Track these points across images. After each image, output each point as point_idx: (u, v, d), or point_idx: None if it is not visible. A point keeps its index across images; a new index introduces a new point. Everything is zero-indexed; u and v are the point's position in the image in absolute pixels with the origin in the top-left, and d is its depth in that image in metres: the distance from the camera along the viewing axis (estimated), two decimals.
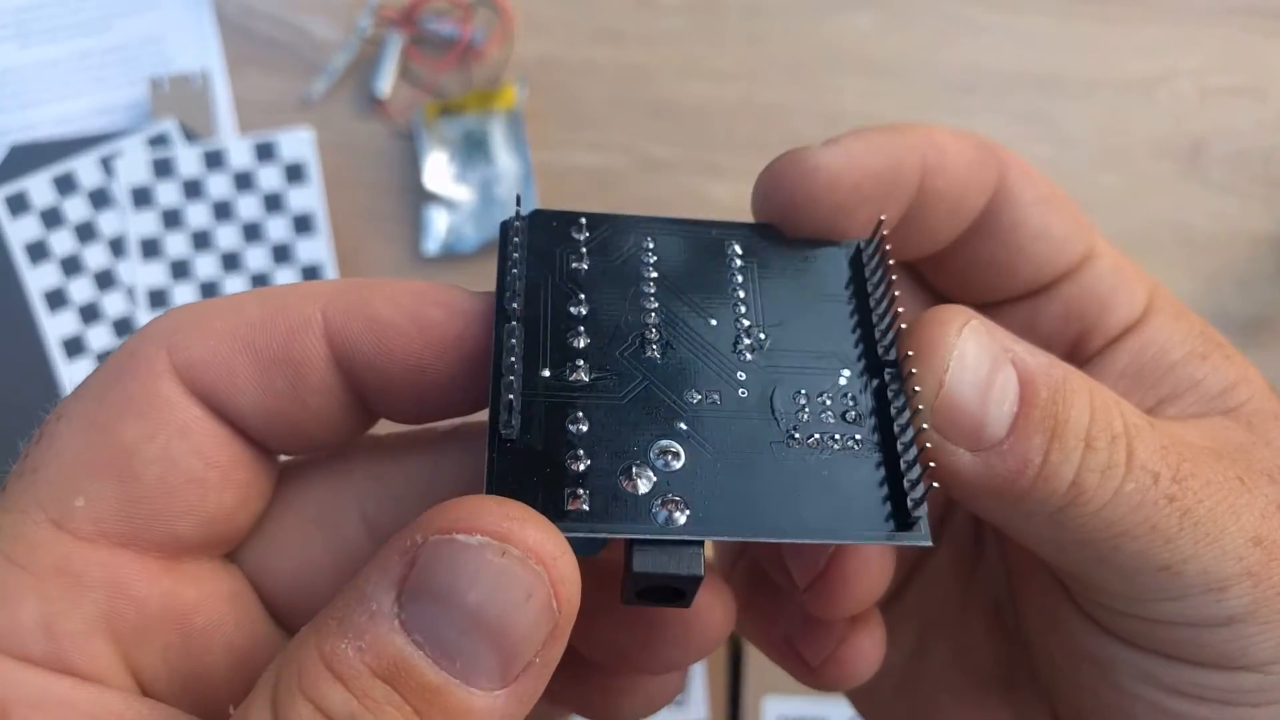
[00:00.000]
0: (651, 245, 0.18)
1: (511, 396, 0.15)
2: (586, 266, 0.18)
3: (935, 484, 0.16)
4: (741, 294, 0.18)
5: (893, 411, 0.17)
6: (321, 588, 0.17)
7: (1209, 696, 0.18)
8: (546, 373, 0.16)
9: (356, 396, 0.16)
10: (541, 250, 0.17)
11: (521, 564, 0.13)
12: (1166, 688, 0.18)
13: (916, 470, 0.16)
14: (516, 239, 0.17)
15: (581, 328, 0.17)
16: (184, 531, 0.15)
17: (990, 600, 0.23)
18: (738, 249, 0.18)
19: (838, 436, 0.17)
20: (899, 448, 0.16)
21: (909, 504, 0.16)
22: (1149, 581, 0.17)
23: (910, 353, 0.17)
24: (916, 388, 0.17)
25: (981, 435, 0.16)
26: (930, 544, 0.16)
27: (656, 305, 0.17)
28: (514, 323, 0.16)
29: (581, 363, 0.16)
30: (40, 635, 0.14)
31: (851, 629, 0.20)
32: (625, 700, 0.19)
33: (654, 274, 0.18)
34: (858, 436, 0.17)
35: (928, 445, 0.16)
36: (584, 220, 0.18)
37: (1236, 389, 0.20)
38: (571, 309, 0.17)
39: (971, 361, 0.16)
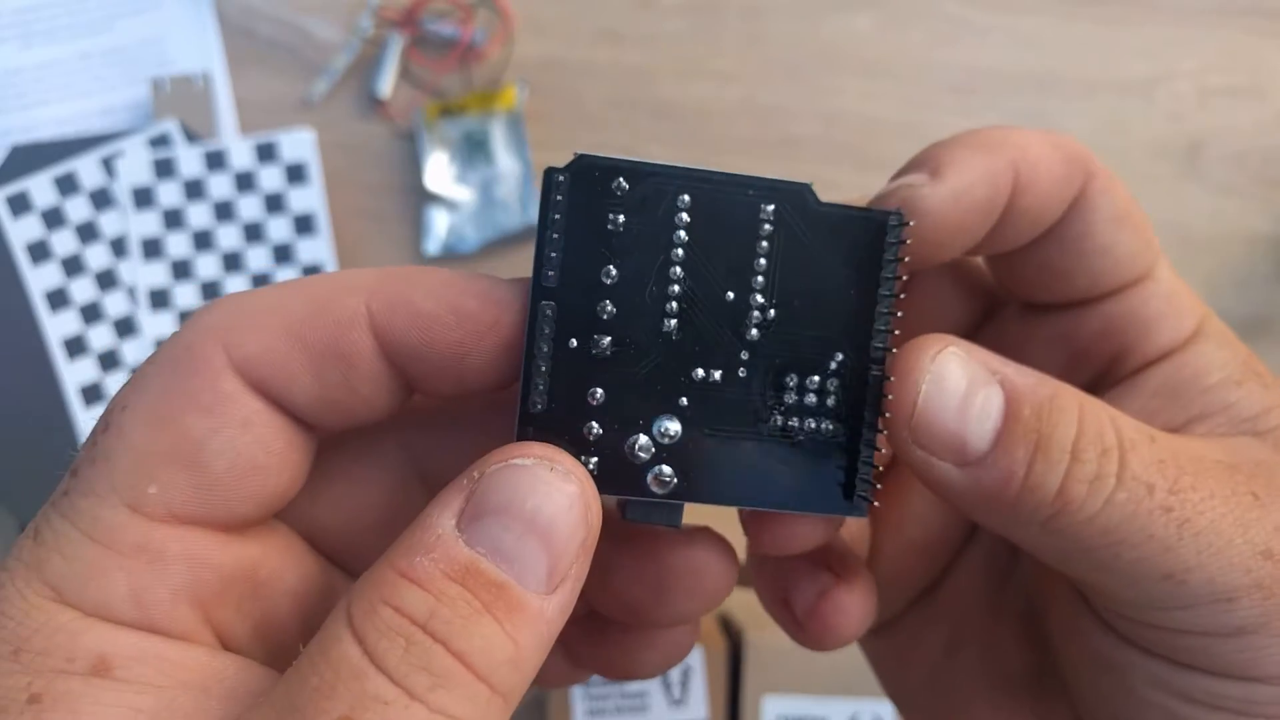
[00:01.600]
0: (687, 203, 0.18)
1: (538, 377, 0.17)
2: (622, 227, 0.18)
3: (878, 481, 0.18)
4: (762, 262, 0.18)
5: (866, 414, 0.18)
6: (363, 530, 0.19)
7: (1223, 705, 0.18)
8: (574, 343, 0.17)
9: (400, 379, 0.17)
10: (581, 206, 0.18)
11: (564, 477, 0.16)
12: (1181, 695, 0.19)
13: (866, 461, 0.18)
14: (559, 198, 0.18)
15: (608, 300, 0.18)
16: (247, 511, 0.17)
17: (1021, 605, 0.23)
18: (769, 213, 0.18)
19: (814, 424, 0.18)
20: (860, 447, 0.18)
21: (857, 483, 0.18)
22: (1154, 589, 0.17)
23: (890, 377, 0.18)
24: (887, 412, 0.18)
25: (965, 450, 0.17)
26: (864, 515, 0.18)
27: (681, 275, 0.18)
28: (547, 302, 0.17)
29: (606, 338, 0.18)
30: (130, 606, 0.15)
31: (836, 584, 0.21)
32: (642, 656, 0.21)
33: (684, 237, 0.18)
34: (828, 427, 0.18)
35: (879, 449, 0.18)
36: (622, 178, 0.18)
37: (1270, 414, 0.20)
38: (603, 277, 0.18)
39: (949, 384, 0.17)
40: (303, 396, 0.17)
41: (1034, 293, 0.22)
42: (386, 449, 0.20)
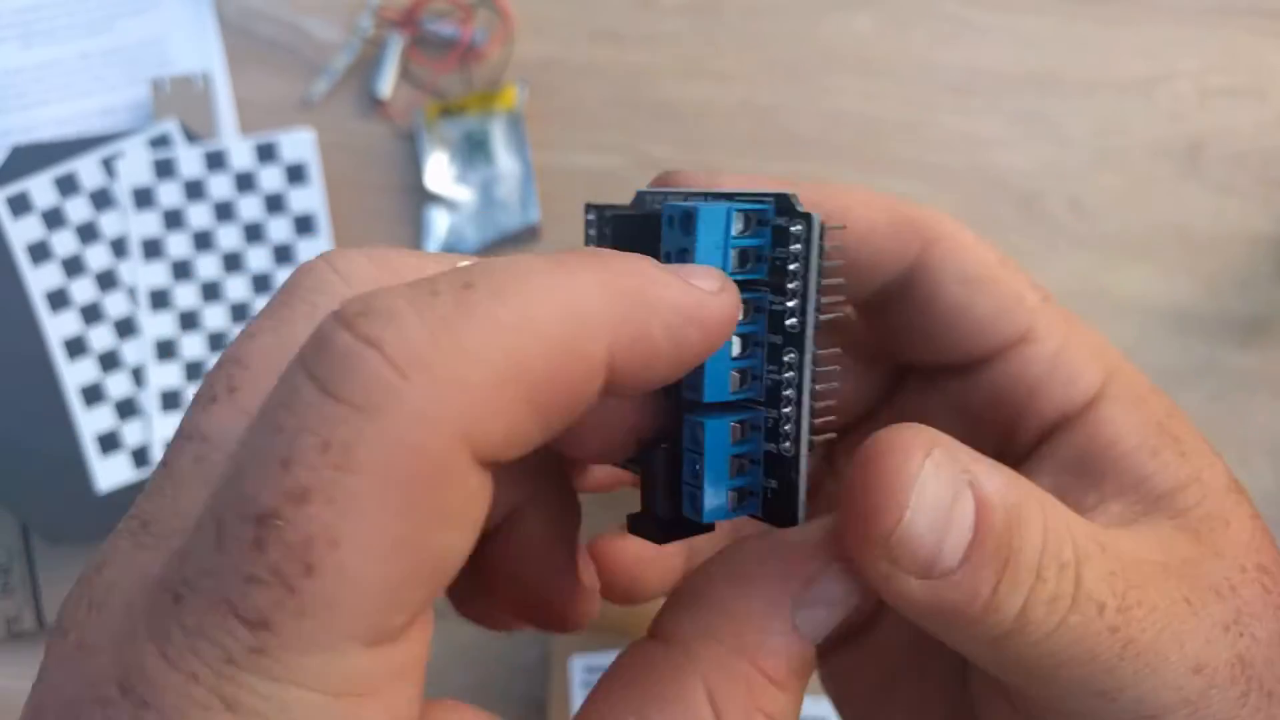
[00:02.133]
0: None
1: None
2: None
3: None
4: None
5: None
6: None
7: None
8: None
9: None
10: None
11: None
12: None
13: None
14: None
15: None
16: None
17: (951, 664, 0.23)
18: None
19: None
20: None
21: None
22: (1084, 704, 0.17)
23: (866, 485, 0.16)
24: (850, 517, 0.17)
25: (934, 567, 0.16)
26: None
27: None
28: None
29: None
30: None
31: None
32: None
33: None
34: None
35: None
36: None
37: (1186, 491, 0.19)
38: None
39: (931, 499, 0.16)
40: (523, 451, 0.14)
41: (913, 356, 0.22)
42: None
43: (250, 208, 0.50)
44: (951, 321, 0.20)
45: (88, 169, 0.51)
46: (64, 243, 0.51)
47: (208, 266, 0.50)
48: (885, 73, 0.51)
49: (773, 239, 0.17)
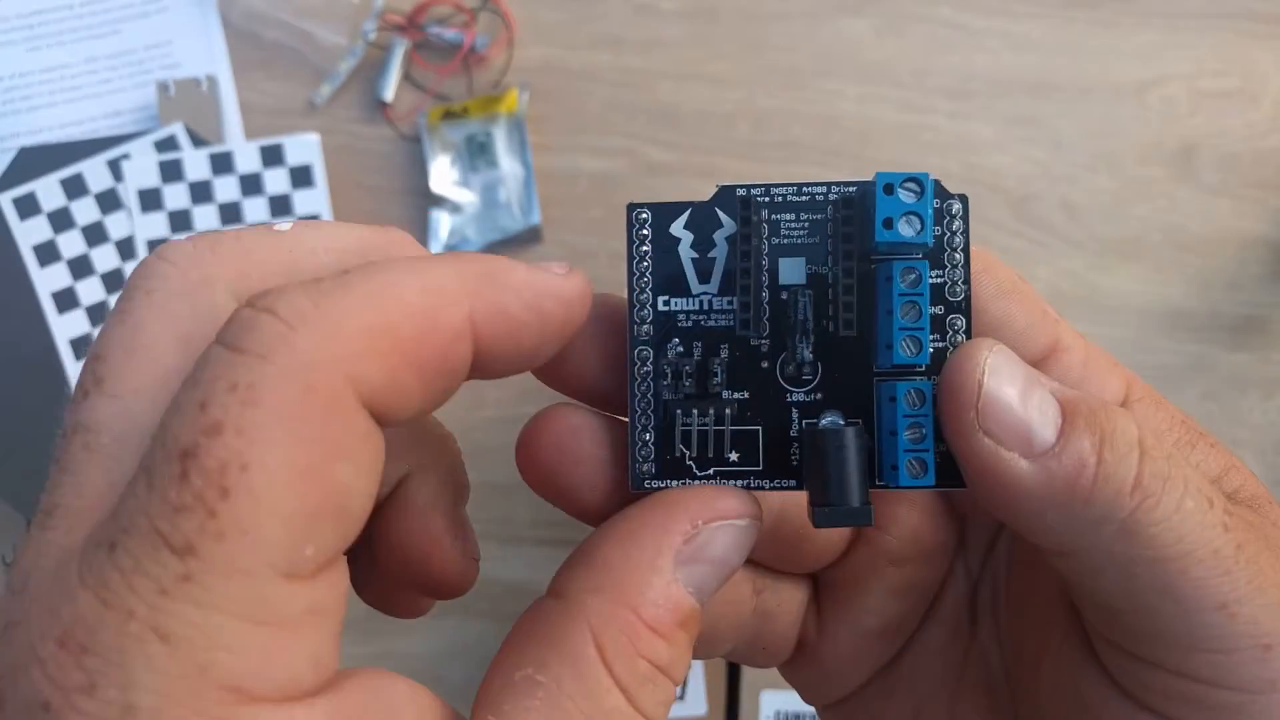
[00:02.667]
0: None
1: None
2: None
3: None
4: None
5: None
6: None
7: None
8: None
9: (471, 372, 0.18)
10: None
11: (753, 528, 0.19)
12: None
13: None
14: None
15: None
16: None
17: (984, 680, 0.23)
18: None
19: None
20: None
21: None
22: (1205, 622, 0.17)
23: (948, 375, 0.18)
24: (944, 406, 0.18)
25: (1031, 440, 0.17)
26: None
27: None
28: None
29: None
30: (313, 672, 0.14)
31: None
32: None
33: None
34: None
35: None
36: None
37: (1229, 475, 0.20)
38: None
39: (1006, 374, 0.17)
40: (406, 413, 0.16)
41: None
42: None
43: (256, 210, 0.51)
44: (996, 333, 0.20)
45: (94, 171, 0.51)
46: (71, 244, 0.51)
47: None
48: (881, 77, 0.52)
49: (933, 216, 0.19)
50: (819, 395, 0.19)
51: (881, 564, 0.23)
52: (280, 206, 0.51)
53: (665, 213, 0.19)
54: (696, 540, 0.18)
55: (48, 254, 0.51)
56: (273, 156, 0.51)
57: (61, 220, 0.51)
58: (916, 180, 0.18)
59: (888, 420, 0.19)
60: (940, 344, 0.19)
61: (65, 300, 0.51)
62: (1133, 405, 0.20)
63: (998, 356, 0.17)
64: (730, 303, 0.19)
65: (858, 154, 0.52)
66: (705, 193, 0.19)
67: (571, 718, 0.16)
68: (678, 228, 0.19)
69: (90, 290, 0.51)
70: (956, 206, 0.19)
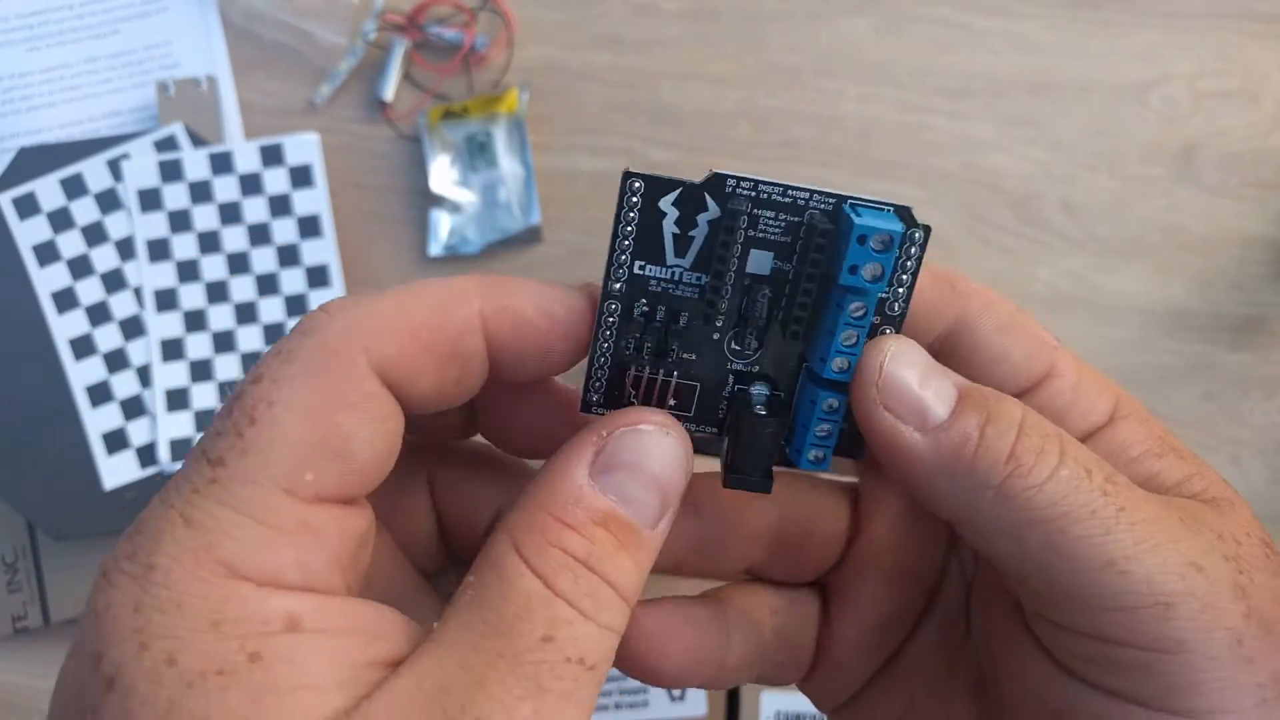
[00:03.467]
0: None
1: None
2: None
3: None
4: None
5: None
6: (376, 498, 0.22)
7: None
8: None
9: (494, 371, 0.21)
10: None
11: (677, 441, 0.20)
12: None
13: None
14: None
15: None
16: (369, 489, 0.19)
17: (975, 677, 0.24)
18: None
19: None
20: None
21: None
22: (1099, 580, 0.18)
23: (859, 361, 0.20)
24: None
25: (925, 415, 0.20)
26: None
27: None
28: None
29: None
30: (297, 573, 0.17)
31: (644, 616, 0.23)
32: None
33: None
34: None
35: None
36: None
37: (1191, 480, 0.21)
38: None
39: (908, 359, 0.20)
40: (423, 392, 0.19)
41: None
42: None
43: (255, 210, 0.51)
44: (992, 368, 0.22)
45: (94, 171, 0.51)
46: (71, 244, 0.51)
47: (213, 268, 0.51)
48: (881, 76, 0.52)
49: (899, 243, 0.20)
50: (755, 367, 0.22)
51: (876, 552, 0.25)
52: (280, 206, 0.51)
53: (658, 186, 0.20)
54: (606, 449, 0.19)
55: (47, 254, 0.51)
56: (272, 156, 0.51)
57: (61, 220, 0.51)
58: (888, 234, 0.19)
59: (804, 415, 0.21)
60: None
61: (65, 300, 0.51)
62: (1117, 421, 0.22)
63: (900, 345, 0.20)
64: (699, 279, 0.21)
65: (858, 154, 0.52)
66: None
67: (490, 603, 0.17)
68: (666, 203, 0.20)
69: (90, 290, 0.51)
70: (919, 235, 0.20)
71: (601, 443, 0.19)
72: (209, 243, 0.51)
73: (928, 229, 0.20)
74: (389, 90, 0.52)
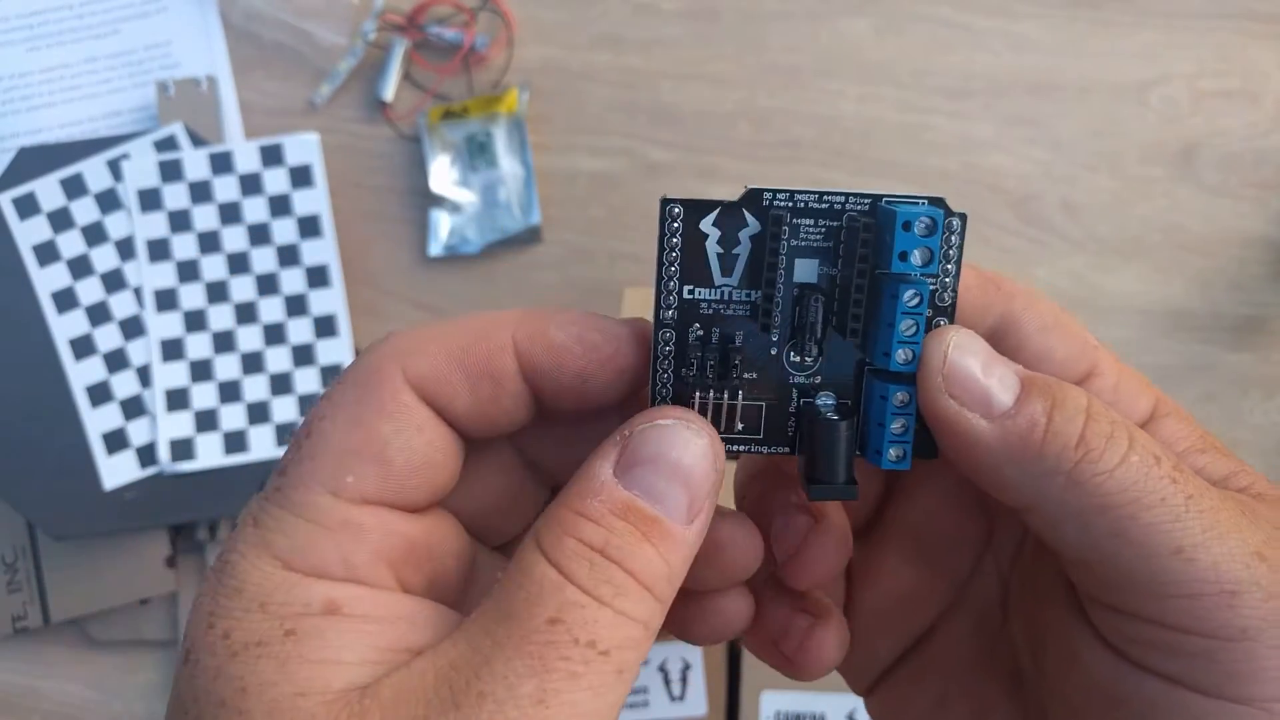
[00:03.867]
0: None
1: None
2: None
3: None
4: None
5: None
6: (492, 513, 0.24)
7: None
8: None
9: (535, 397, 0.21)
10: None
11: (700, 434, 0.20)
12: None
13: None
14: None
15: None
16: (419, 497, 0.21)
17: (1011, 668, 0.24)
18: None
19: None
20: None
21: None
22: (1165, 564, 0.18)
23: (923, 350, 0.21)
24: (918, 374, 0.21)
25: (991, 403, 0.20)
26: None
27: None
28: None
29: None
30: (341, 566, 0.19)
31: (815, 624, 0.24)
32: (709, 620, 0.24)
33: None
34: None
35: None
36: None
37: (1236, 476, 0.21)
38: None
39: (971, 348, 0.20)
40: (461, 408, 0.21)
41: None
42: (503, 451, 0.24)
43: (255, 209, 0.51)
44: (1035, 366, 0.22)
45: (94, 171, 0.51)
46: (71, 244, 0.51)
47: (213, 268, 0.51)
48: (881, 76, 0.52)
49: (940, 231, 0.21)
50: (818, 379, 0.22)
51: (901, 529, 0.25)
52: (280, 206, 0.51)
53: (696, 208, 0.20)
54: (629, 446, 0.20)
55: (47, 254, 0.51)
56: (272, 156, 0.51)
57: (61, 220, 0.51)
58: (931, 217, 0.20)
59: (876, 412, 0.21)
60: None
61: (65, 300, 0.51)
62: (1159, 419, 0.22)
63: (962, 335, 0.20)
64: (749, 295, 0.21)
65: (859, 154, 0.52)
66: (707, 192, 0.20)
67: (506, 592, 0.18)
68: (707, 224, 0.21)
69: (90, 290, 0.51)
70: (956, 223, 0.21)
71: (625, 441, 0.20)
72: (209, 243, 0.51)
73: (964, 216, 0.21)
74: (389, 90, 0.52)
